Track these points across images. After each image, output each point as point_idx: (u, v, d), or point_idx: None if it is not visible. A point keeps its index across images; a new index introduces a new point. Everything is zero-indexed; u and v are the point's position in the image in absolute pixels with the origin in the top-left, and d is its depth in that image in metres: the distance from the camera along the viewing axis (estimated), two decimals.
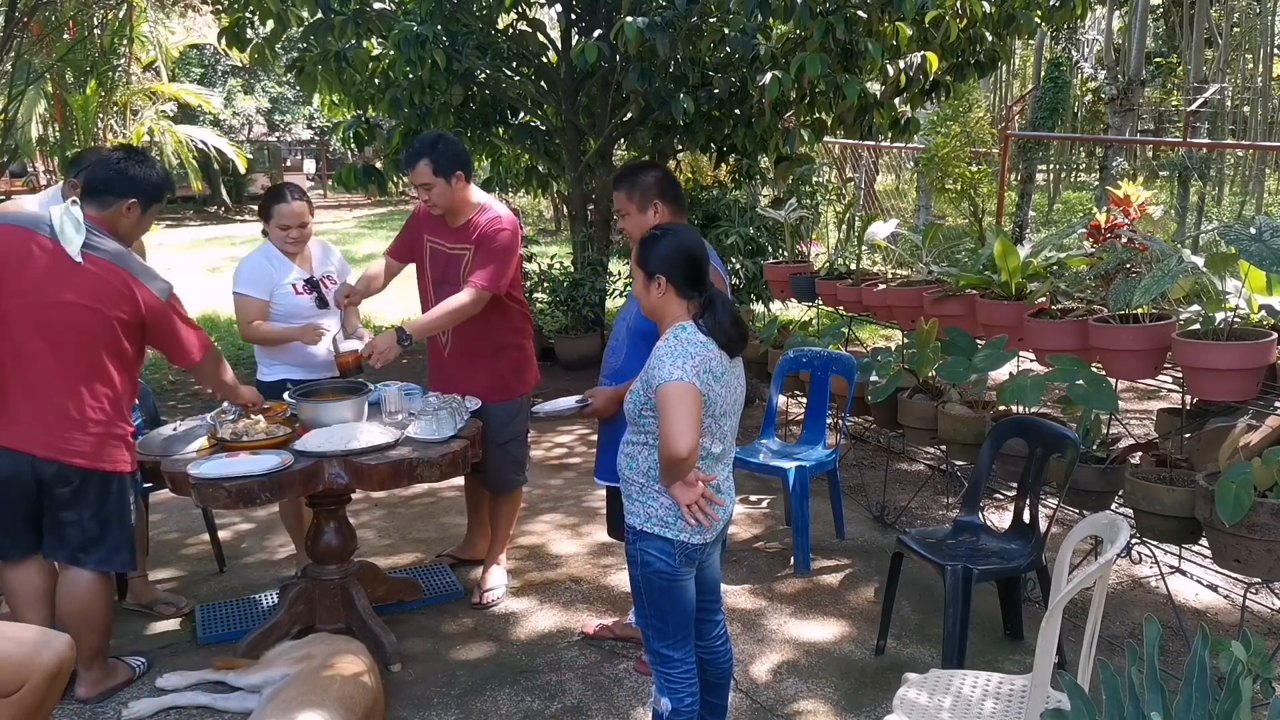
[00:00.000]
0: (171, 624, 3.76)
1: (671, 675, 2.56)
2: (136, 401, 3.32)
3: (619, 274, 8.38)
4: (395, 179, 7.78)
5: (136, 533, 3.25)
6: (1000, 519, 4.31)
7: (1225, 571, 3.16)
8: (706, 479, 2.48)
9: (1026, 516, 3.42)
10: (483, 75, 7.14)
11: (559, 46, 7.62)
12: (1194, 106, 11.79)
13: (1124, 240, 3.57)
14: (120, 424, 3.08)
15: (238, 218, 22.97)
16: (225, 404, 3.58)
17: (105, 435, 3.03)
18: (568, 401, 3.19)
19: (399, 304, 9.33)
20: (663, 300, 2.49)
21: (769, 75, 5.91)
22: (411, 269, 3.91)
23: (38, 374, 2.94)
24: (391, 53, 6.54)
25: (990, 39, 6.77)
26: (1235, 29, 15.14)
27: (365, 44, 6.98)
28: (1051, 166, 15.55)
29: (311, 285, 3.84)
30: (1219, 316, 3.10)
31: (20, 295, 2.91)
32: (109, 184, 3.06)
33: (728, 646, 2.78)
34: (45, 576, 3.13)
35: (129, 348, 3.05)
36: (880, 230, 5.01)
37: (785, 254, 6.23)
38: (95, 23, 10.75)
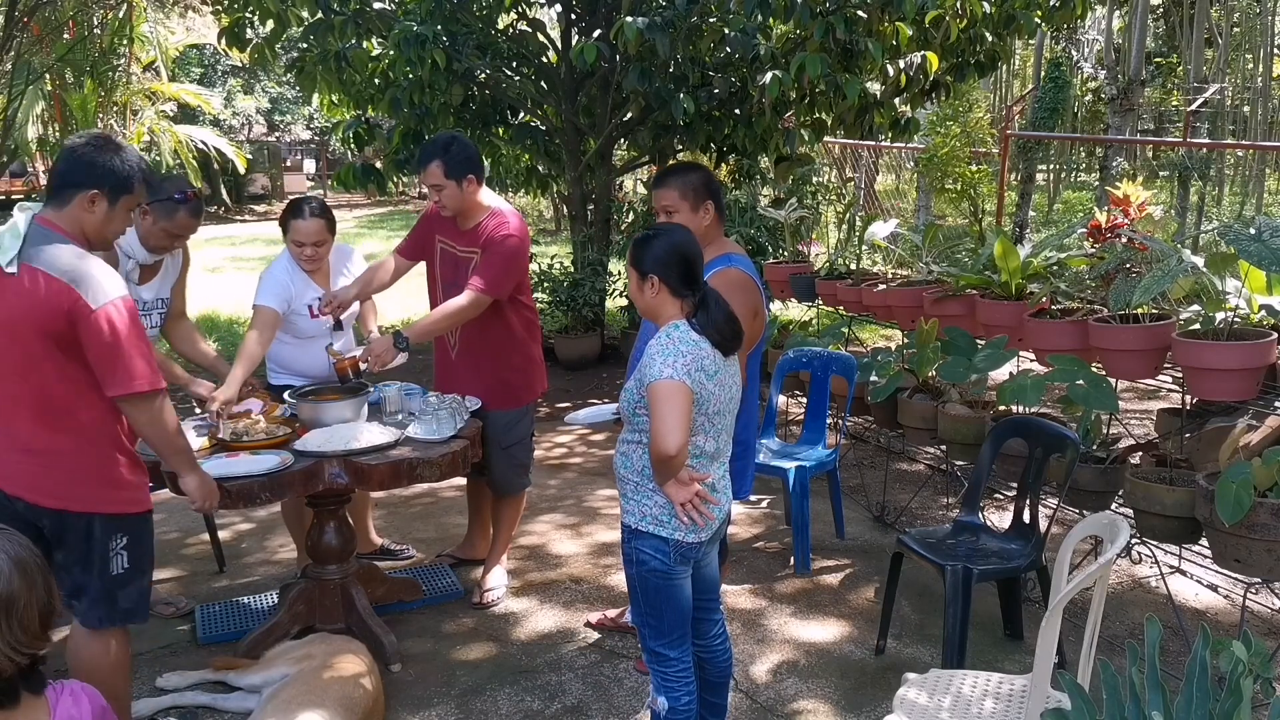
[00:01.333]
0: (171, 624, 3.76)
1: (668, 674, 2.56)
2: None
3: (619, 274, 8.39)
4: (395, 179, 7.78)
5: (126, 585, 2.72)
6: (1000, 519, 4.30)
7: (1225, 571, 3.16)
8: (701, 478, 2.48)
9: (1026, 516, 3.41)
10: (483, 75, 7.14)
11: (559, 46, 7.62)
12: (1194, 106, 11.79)
13: (1124, 240, 3.58)
14: (99, 458, 2.64)
15: (237, 218, 22.98)
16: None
17: (74, 471, 2.60)
18: (604, 411, 3.14)
19: (402, 303, 9.33)
20: (657, 300, 2.50)
21: (769, 75, 5.91)
22: (421, 268, 3.90)
23: None
24: (391, 53, 6.54)
25: (990, 39, 6.78)
26: (1235, 29, 15.14)
27: (365, 44, 6.97)
28: (1051, 166, 15.55)
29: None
30: (1219, 316, 3.10)
31: None
32: (66, 175, 2.61)
33: (727, 645, 2.78)
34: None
35: (82, 369, 2.56)
36: (880, 230, 5.01)
37: (785, 254, 6.23)
38: (95, 23, 10.75)
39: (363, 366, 3.51)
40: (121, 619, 2.75)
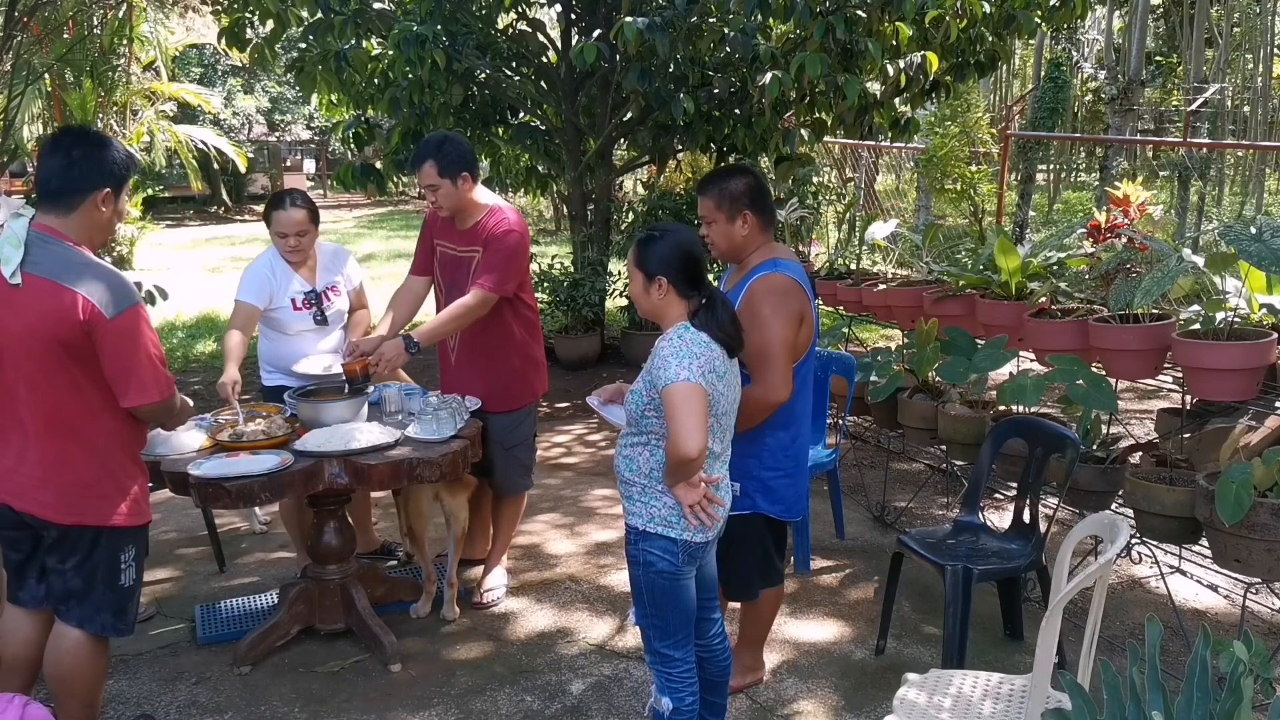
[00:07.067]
0: (172, 624, 3.75)
1: (673, 675, 2.57)
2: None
3: (619, 274, 8.39)
4: (394, 179, 7.78)
5: (133, 598, 2.76)
6: (1000, 519, 4.30)
7: (1225, 571, 3.16)
8: (710, 480, 2.49)
9: (1026, 516, 3.41)
10: (483, 75, 7.14)
11: (559, 46, 7.62)
12: (1194, 106, 11.79)
13: (1124, 240, 3.57)
14: (110, 470, 2.60)
15: (237, 218, 22.97)
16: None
17: (84, 484, 2.56)
18: (620, 413, 3.07)
19: None
20: (664, 302, 2.50)
21: (769, 75, 5.91)
22: None
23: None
24: (391, 53, 6.54)
25: (990, 39, 6.77)
26: (1235, 29, 15.14)
27: (365, 44, 6.97)
28: (1051, 166, 15.55)
29: (312, 299, 3.81)
30: (1219, 316, 3.10)
31: None
32: (71, 179, 2.50)
33: (726, 645, 2.79)
34: (37, 628, 2.72)
35: (95, 379, 2.51)
36: (880, 230, 5.01)
37: None
38: (95, 22, 10.75)
39: (373, 368, 3.50)
40: (126, 630, 2.75)
